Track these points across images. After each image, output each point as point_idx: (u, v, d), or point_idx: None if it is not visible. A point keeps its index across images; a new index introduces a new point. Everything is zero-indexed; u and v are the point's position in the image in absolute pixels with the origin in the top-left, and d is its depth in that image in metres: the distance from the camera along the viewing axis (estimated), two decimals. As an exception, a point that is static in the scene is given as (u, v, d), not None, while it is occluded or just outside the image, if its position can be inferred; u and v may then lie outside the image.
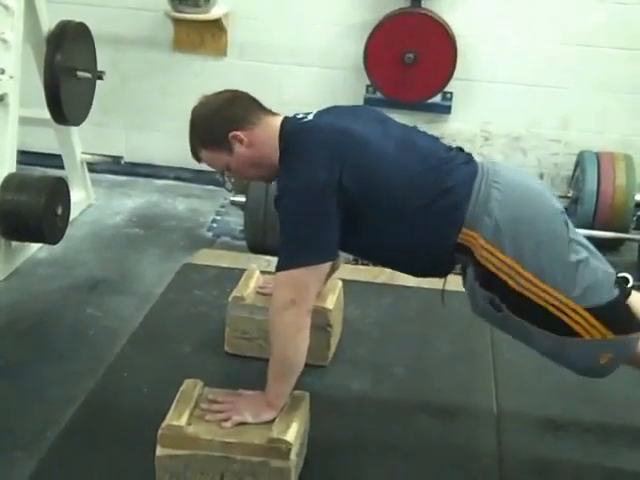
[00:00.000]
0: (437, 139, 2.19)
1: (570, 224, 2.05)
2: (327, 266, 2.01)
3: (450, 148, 2.15)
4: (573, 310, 1.95)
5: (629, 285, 2.13)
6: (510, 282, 1.96)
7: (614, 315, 1.99)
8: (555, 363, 2.08)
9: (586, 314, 1.96)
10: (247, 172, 2.09)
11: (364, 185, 1.98)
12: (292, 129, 2.06)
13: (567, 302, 1.95)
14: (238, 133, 2.03)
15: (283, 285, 1.98)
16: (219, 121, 2.04)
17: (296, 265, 1.96)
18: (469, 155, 2.13)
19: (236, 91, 2.15)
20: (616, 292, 2.02)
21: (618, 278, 2.09)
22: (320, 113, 2.12)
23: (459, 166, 2.06)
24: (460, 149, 2.17)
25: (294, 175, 1.99)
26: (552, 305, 1.95)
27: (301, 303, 1.97)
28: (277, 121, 2.10)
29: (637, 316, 2.03)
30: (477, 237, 1.97)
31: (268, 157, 2.05)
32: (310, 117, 2.09)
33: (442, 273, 2.14)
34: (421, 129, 2.23)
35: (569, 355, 2.01)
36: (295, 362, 2.01)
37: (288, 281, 1.97)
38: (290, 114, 4.51)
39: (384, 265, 2.18)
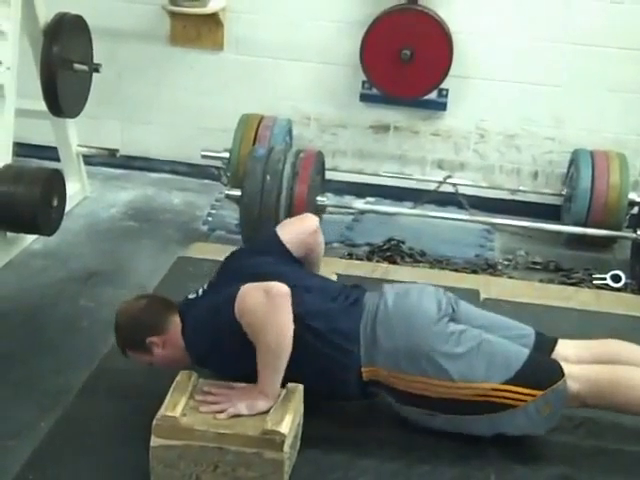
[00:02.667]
0: (325, 283, 2.31)
1: (460, 311, 2.20)
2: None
3: (339, 291, 2.25)
4: (493, 389, 2.07)
5: (552, 338, 2.25)
6: (428, 394, 2.09)
7: (532, 375, 2.10)
8: (508, 435, 2.13)
9: (506, 387, 2.07)
10: (168, 365, 2.21)
11: None
12: (185, 313, 2.20)
13: (482, 387, 2.07)
14: (154, 339, 2.18)
15: (244, 297, 2.00)
16: (137, 329, 2.20)
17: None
18: (358, 292, 2.24)
19: (151, 297, 2.34)
20: (526, 353, 2.12)
21: (537, 334, 2.22)
22: (208, 287, 2.27)
23: (346, 310, 2.18)
24: (353, 286, 2.29)
25: (195, 324, 2.14)
26: (474, 395, 2.07)
27: (269, 290, 1.99)
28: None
29: (557, 364, 2.12)
30: (378, 370, 2.11)
31: (181, 350, 2.17)
32: (199, 293, 2.25)
33: (361, 400, 2.24)
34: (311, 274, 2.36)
35: (515, 425, 2.10)
36: (280, 347, 2.00)
37: (246, 294, 2.00)
38: (286, 109, 4.52)
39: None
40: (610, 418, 2.26)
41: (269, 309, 1.98)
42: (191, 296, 2.26)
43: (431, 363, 2.07)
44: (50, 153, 4.11)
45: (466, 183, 4.20)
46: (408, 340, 2.10)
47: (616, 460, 2.17)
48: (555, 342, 2.24)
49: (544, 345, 2.22)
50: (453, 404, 2.09)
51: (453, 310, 2.21)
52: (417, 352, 2.08)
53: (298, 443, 2.08)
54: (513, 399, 2.07)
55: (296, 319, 2.04)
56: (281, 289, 2.00)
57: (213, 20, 4.22)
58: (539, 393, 2.07)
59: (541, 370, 2.12)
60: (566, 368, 2.11)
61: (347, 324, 2.15)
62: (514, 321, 2.28)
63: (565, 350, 2.22)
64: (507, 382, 2.07)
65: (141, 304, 2.26)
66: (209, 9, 4.15)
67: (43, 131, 3.98)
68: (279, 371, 2.03)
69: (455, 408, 2.10)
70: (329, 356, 2.12)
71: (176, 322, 2.20)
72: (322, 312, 2.16)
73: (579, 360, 2.19)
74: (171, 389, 2.03)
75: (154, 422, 1.93)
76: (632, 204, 3.87)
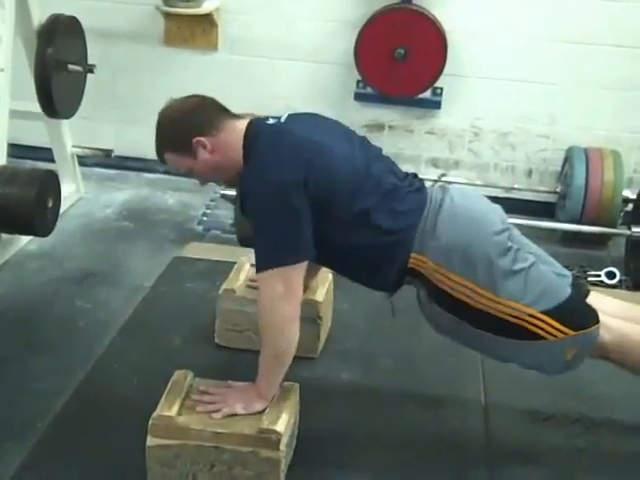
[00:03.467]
0: (393, 164, 2.24)
1: (514, 235, 2.15)
2: (306, 262, 2.04)
3: (406, 175, 2.21)
4: (530, 315, 2.03)
5: (587, 286, 2.24)
6: (467, 300, 2.04)
7: (570, 313, 2.06)
8: (522, 367, 2.13)
9: (543, 316, 2.03)
10: (210, 176, 2.12)
11: (325, 197, 2.03)
12: (260, 131, 2.09)
13: (523, 309, 2.03)
14: (202, 139, 2.07)
15: (269, 281, 2.00)
16: (184, 126, 2.08)
17: (279, 264, 1.98)
18: (421, 182, 2.20)
19: (203, 97, 2.18)
20: (569, 290, 2.09)
21: (575, 280, 2.18)
22: (292, 118, 2.15)
23: (410, 194, 2.13)
24: (415, 175, 2.23)
25: (262, 175, 2.01)
26: (510, 315, 2.03)
27: (291, 296, 1.99)
28: (243, 124, 2.12)
29: (594, 310, 2.10)
30: (427, 261, 2.05)
31: (231, 162, 2.08)
32: (282, 121, 2.12)
33: (389, 290, 2.20)
34: (382, 152, 2.28)
35: (536, 358, 2.08)
36: (287, 354, 2.03)
37: (273, 277, 1.99)
38: (281, 109, 4.51)
39: (336, 272, 2.24)
40: (604, 414, 2.27)
41: (287, 320, 1.99)
42: (271, 121, 2.12)
43: (487, 270, 2.02)
44: (44, 154, 4.11)
45: (461, 181, 4.20)
46: (470, 240, 2.04)
47: (612, 456, 2.18)
48: (588, 292, 2.20)
49: (579, 291, 2.18)
50: (486, 318, 2.04)
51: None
52: (476, 255, 2.03)
53: (294, 442, 2.09)
54: (545, 330, 2.03)
55: (362, 189, 2.04)
56: (299, 296, 2.00)
57: (207, 20, 4.22)
58: (571, 332, 2.04)
59: (579, 311, 2.09)
60: (602, 317, 2.09)
61: (409, 206, 2.09)
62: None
63: (603, 302, 2.18)
64: (545, 312, 2.03)
65: (192, 101, 2.13)
66: (203, 9, 4.15)
67: (37, 132, 3.98)
68: (281, 376, 2.05)
69: (486, 323, 2.04)
70: (383, 233, 2.07)
71: (235, 129, 2.08)
72: (387, 190, 2.10)
73: (614, 315, 2.15)
74: (167, 389, 2.04)
75: (150, 422, 1.93)
76: (626, 201, 3.88)
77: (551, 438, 2.21)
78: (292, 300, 2.00)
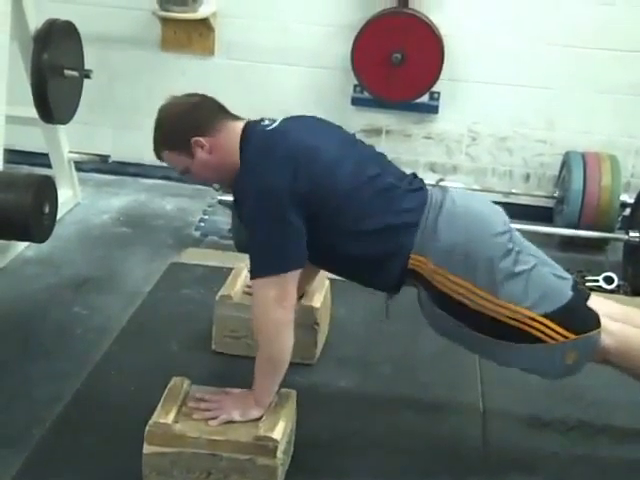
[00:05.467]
0: (390, 164, 2.23)
1: (516, 237, 2.14)
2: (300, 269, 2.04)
3: (404, 175, 2.20)
4: (530, 318, 2.01)
5: (588, 290, 2.22)
6: (466, 302, 2.02)
7: (571, 317, 2.05)
8: (523, 371, 2.11)
9: (544, 320, 2.02)
10: (206, 176, 2.12)
11: (319, 202, 2.03)
12: (255, 134, 2.09)
13: (523, 312, 2.01)
14: (200, 139, 2.06)
15: (264, 287, 2.00)
16: (183, 125, 2.08)
17: (272, 273, 1.99)
18: (421, 182, 2.19)
19: (204, 96, 2.17)
20: (570, 294, 2.08)
21: (575, 283, 2.16)
22: (286, 121, 2.15)
23: (408, 193, 2.12)
24: (414, 175, 2.22)
25: (255, 182, 2.01)
26: (509, 317, 2.01)
27: (284, 300, 1.99)
28: (240, 126, 2.12)
29: (595, 314, 2.08)
30: (427, 262, 2.04)
31: (228, 164, 2.08)
32: (275, 125, 2.12)
33: (391, 291, 2.18)
34: (379, 150, 2.28)
35: (536, 361, 2.06)
36: (282, 360, 2.02)
37: (268, 284, 1.99)
38: (277, 114, 4.49)
39: (337, 274, 2.23)
40: (602, 421, 2.27)
41: (280, 325, 1.99)
42: (266, 122, 2.12)
43: (487, 272, 2.00)
44: (41, 160, 4.10)
45: (459, 186, 4.20)
46: (470, 242, 2.03)
47: (610, 464, 2.18)
48: (589, 296, 2.18)
49: (580, 294, 2.16)
50: (486, 321, 2.02)
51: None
52: (476, 256, 2.01)
53: (291, 449, 2.08)
54: (545, 334, 2.01)
55: (358, 191, 2.03)
56: (293, 302, 2.00)
57: (204, 25, 4.22)
58: (572, 336, 2.02)
59: (580, 314, 2.07)
60: (603, 321, 2.07)
61: (410, 206, 2.08)
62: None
63: (604, 306, 2.16)
64: (546, 315, 2.01)
65: (192, 100, 2.13)
66: (199, 14, 4.15)
67: (34, 138, 3.97)
68: (277, 382, 2.04)
69: (486, 326, 2.03)
70: (383, 232, 2.05)
71: (234, 130, 2.08)
72: (384, 193, 2.08)
73: (615, 319, 2.14)
74: (163, 396, 2.03)
75: (146, 429, 1.92)
76: (624, 205, 3.87)
77: (549, 445, 2.21)
78: (285, 305, 2.00)
